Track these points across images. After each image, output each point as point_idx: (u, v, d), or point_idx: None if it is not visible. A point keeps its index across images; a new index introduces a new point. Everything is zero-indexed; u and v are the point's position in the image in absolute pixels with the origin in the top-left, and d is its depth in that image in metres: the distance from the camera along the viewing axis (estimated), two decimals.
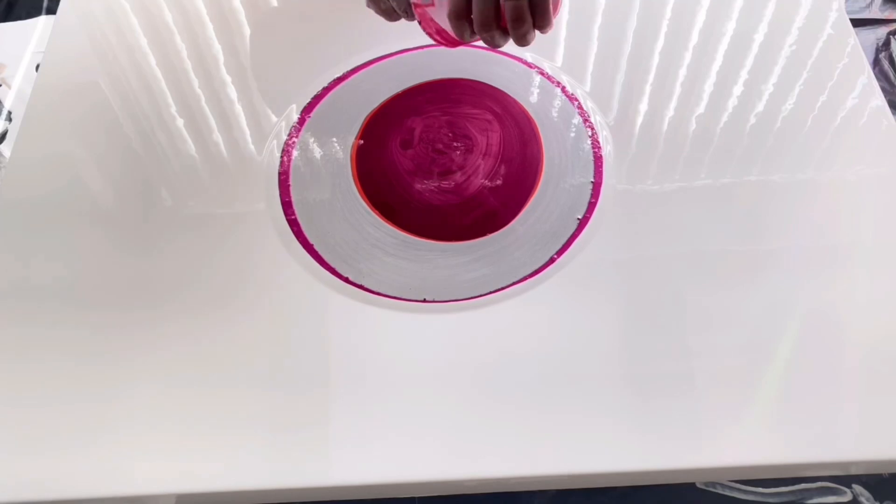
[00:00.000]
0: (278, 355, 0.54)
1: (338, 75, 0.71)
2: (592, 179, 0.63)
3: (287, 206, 0.63)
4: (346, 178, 0.64)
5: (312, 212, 0.62)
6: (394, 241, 0.60)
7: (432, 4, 0.58)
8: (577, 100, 0.69)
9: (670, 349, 0.54)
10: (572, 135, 0.66)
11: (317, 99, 0.70)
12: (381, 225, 0.61)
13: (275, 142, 0.67)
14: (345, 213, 0.62)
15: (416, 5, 0.58)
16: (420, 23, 0.59)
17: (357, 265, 0.59)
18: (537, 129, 0.67)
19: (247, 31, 0.75)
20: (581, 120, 0.67)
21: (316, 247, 0.60)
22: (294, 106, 0.69)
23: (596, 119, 0.67)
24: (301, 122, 0.68)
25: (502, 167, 0.64)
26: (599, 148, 0.65)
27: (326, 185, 0.64)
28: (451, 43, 0.60)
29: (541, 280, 0.57)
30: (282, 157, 0.66)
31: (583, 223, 0.61)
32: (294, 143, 0.67)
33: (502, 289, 0.57)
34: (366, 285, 0.58)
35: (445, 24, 0.58)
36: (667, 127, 0.66)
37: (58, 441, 0.51)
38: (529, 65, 0.71)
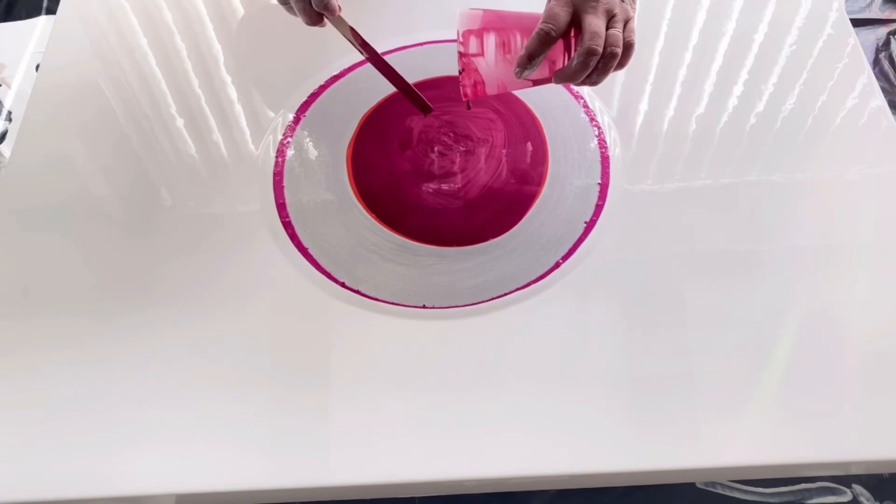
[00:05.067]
0: (277, 357, 0.54)
1: (335, 73, 0.71)
2: (599, 181, 0.63)
3: (281, 207, 0.62)
4: (342, 180, 0.64)
5: (307, 214, 0.62)
6: (392, 246, 0.60)
7: (481, 55, 0.56)
8: (582, 98, 0.68)
9: (670, 350, 0.54)
10: (578, 135, 0.66)
11: (313, 97, 0.69)
12: (378, 229, 0.61)
13: (270, 138, 0.67)
14: (340, 217, 0.62)
15: (464, 55, 0.56)
16: (461, 71, 0.57)
17: (353, 270, 0.58)
18: (542, 128, 0.66)
19: (245, 30, 0.75)
20: (587, 119, 0.67)
21: (311, 250, 0.60)
22: (289, 104, 0.69)
23: (603, 119, 0.67)
24: (296, 121, 0.68)
25: (505, 168, 0.64)
26: (606, 148, 0.65)
27: (321, 187, 0.63)
28: (479, 95, 0.59)
29: (545, 286, 0.57)
30: (276, 157, 0.65)
31: (590, 226, 0.60)
32: (289, 142, 0.66)
33: (505, 295, 0.57)
34: (363, 290, 0.57)
35: (490, 77, 0.57)
36: (667, 127, 0.66)
37: (58, 441, 0.51)
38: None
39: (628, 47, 0.55)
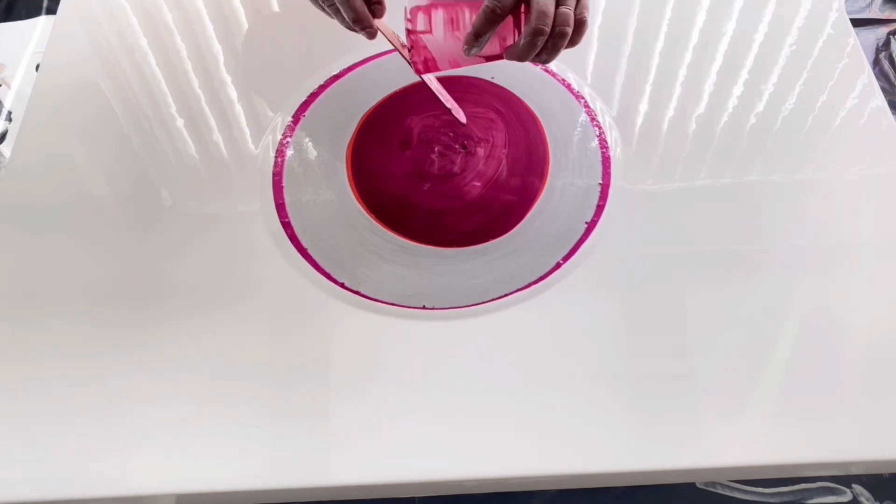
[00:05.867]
0: (277, 357, 0.54)
1: (334, 73, 0.71)
2: (601, 181, 0.63)
3: (280, 207, 0.62)
4: (342, 180, 0.64)
5: (306, 214, 0.62)
6: (391, 247, 0.60)
7: (429, 31, 0.55)
8: (583, 98, 0.68)
9: (670, 350, 0.54)
10: (579, 135, 0.66)
11: (312, 97, 0.69)
12: (377, 230, 0.61)
13: (270, 138, 0.67)
14: (340, 217, 0.61)
15: (412, 31, 0.56)
16: (410, 49, 0.57)
17: (353, 270, 0.58)
18: (542, 128, 0.66)
19: (245, 29, 0.75)
20: (588, 119, 0.67)
21: (310, 251, 0.59)
22: (289, 104, 0.69)
23: (604, 119, 0.67)
24: (295, 121, 0.68)
25: (506, 169, 0.64)
26: (607, 148, 0.64)
27: (321, 187, 0.63)
28: (432, 70, 0.58)
29: (546, 286, 0.57)
30: (276, 157, 0.65)
31: (590, 227, 0.60)
32: (288, 142, 0.66)
33: (505, 296, 0.56)
34: (362, 291, 0.57)
35: (441, 53, 0.56)
36: (667, 127, 0.66)
37: (58, 441, 0.51)
38: (533, 62, 0.70)
39: (580, 25, 0.53)
